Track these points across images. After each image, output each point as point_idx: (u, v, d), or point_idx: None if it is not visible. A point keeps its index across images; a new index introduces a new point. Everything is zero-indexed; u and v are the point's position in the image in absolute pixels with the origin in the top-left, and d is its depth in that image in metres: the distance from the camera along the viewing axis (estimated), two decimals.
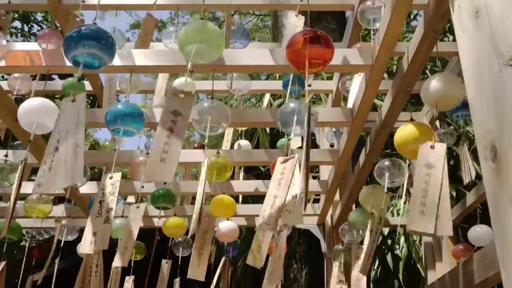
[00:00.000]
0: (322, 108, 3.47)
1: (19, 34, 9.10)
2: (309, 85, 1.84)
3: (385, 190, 2.71)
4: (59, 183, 1.58)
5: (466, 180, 3.54)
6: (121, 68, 2.45)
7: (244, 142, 4.27)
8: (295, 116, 2.10)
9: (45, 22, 8.92)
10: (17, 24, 9.07)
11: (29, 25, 9.12)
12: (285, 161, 1.91)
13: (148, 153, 2.87)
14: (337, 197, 4.02)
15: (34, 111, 2.25)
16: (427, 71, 6.05)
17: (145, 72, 2.91)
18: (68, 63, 1.92)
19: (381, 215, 2.68)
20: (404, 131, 2.25)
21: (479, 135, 1.43)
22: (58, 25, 3.58)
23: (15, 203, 2.09)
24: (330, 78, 5.49)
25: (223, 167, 2.80)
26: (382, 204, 2.78)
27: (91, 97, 7.25)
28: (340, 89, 3.42)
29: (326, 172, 4.00)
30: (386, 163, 2.68)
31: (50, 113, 2.28)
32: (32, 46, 3.59)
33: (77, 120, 1.69)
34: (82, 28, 1.84)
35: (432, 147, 1.92)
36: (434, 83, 1.96)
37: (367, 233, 2.86)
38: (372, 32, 2.90)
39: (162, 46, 3.48)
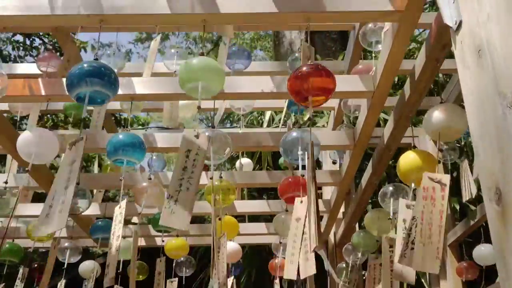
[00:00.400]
0: (324, 131, 3.45)
1: (21, 48, 9.11)
2: (309, 119, 1.84)
3: (390, 216, 2.69)
4: (52, 228, 1.59)
5: (466, 197, 3.53)
6: (122, 96, 2.44)
7: (245, 161, 4.26)
8: (299, 150, 2.10)
9: (46, 36, 8.93)
10: (19, 37, 9.08)
11: (31, 39, 9.14)
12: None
13: (151, 178, 2.86)
14: (340, 212, 4.00)
15: (32, 142, 2.25)
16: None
17: (145, 100, 2.90)
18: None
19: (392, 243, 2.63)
20: (407, 160, 2.23)
21: (483, 175, 1.42)
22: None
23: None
24: None
25: (227, 192, 2.79)
26: (389, 229, 2.76)
27: None
28: (342, 108, 3.40)
29: (328, 190, 3.99)
30: (390, 188, 2.67)
31: (48, 143, 2.28)
32: (32, 68, 3.59)
33: (71, 171, 1.69)
34: (85, 65, 1.83)
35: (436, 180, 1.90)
36: (437, 114, 1.94)
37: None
38: (373, 54, 2.90)
39: (163, 67, 3.48)
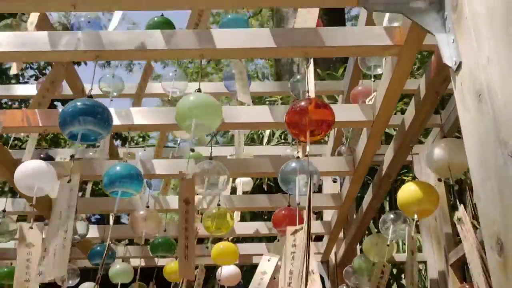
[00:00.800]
0: (324, 157, 3.43)
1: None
2: (306, 155, 1.82)
3: (388, 242, 2.67)
4: (54, 274, 1.56)
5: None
6: (120, 127, 2.42)
7: (245, 179, 4.23)
8: (298, 180, 2.07)
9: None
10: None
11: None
12: (295, 231, 1.89)
13: (148, 206, 2.84)
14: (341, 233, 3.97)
15: (30, 175, 2.23)
16: None
17: (144, 130, 2.88)
18: None
19: (385, 269, 2.63)
20: (408, 191, 2.21)
21: (484, 223, 1.39)
22: None
23: None
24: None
25: (224, 219, 2.76)
26: (385, 255, 2.74)
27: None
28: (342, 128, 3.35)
29: (329, 212, 3.96)
30: (391, 216, 2.64)
31: (46, 176, 2.26)
32: (31, 90, 3.57)
33: (69, 204, 1.66)
34: (78, 103, 1.81)
35: None
36: (439, 151, 1.92)
37: None
38: (372, 79, 2.87)
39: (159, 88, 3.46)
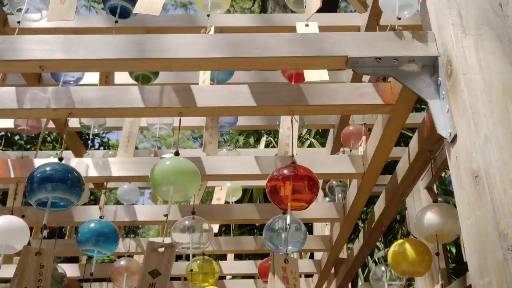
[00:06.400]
0: (314, 204, 3.30)
1: None
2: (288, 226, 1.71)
3: None
4: None
5: None
6: (97, 178, 2.30)
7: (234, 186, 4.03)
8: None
9: None
10: None
11: None
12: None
13: (131, 256, 2.71)
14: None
15: (2, 232, 2.10)
16: None
17: (120, 181, 2.76)
18: None
19: None
20: (399, 250, 2.09)
21: None
22: None
23: None
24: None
25: (210, 271, 2.63)
26: None
27: None
28: None
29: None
30: (382, 268, 2.53)
31: (18, 234, 2.13)
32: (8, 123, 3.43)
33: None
34: (47, 168, 1.68)
35: None
36: (430, 216, 1.80)
37: None
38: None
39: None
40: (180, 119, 1.85)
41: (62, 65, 1.58)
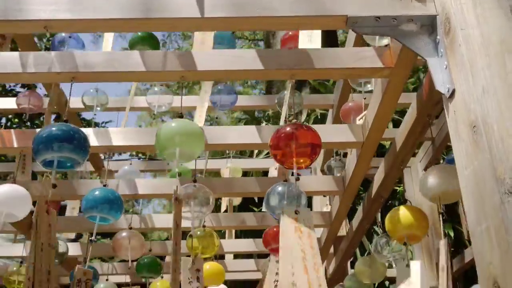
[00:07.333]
0: (312, 177, 3.34)
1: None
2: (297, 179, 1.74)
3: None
4: None
5: None
6: (99, 148, 2.32)
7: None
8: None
9: None
10: None
11: None
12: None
13: (131, 228, 2.74)
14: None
15: (3, 200, 2.12)
16: None
17: (121, 150, 2.78)
18: None
19: None
20: (396, 215, 2.12)
21: (479, 263, 1.31)
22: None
23: None
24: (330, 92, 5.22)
25: (210, 241, 2.66)
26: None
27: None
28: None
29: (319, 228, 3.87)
30: (384, 239, 2.56)
31: (20, 202, 2.16)
32: (10, 103, 3.46)
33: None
34: (53, 128, 1.71)
35: None
36: (432, 180, 1.83)
37: None
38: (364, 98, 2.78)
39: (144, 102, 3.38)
40: (182, 85, 1.87)
41: (67, 25, 1.60)
